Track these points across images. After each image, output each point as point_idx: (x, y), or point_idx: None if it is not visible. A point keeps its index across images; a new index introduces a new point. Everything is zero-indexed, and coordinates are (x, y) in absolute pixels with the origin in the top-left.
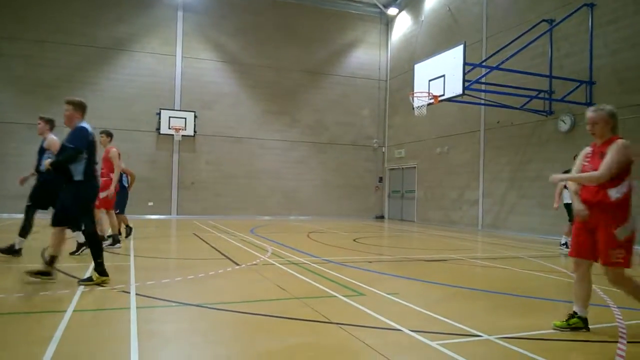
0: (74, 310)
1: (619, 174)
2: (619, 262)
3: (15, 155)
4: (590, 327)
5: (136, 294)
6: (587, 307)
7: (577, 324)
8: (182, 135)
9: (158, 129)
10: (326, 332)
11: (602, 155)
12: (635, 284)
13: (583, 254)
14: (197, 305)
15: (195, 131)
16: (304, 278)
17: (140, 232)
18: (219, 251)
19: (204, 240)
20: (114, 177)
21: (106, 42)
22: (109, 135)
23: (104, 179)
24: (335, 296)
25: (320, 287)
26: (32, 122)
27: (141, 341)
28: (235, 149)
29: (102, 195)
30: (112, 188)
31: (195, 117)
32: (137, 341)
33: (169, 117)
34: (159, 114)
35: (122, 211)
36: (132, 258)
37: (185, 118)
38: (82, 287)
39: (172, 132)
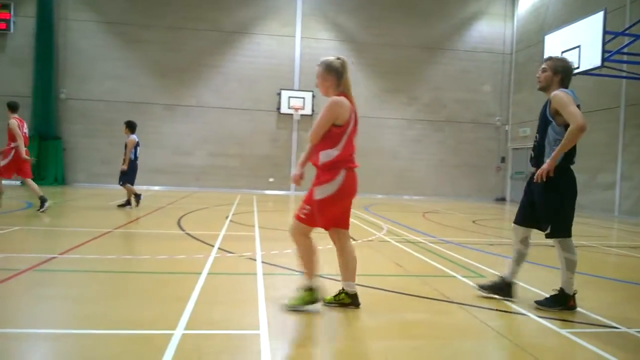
0: (208, 273)
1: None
2: (300, 217)
3: (153, 133)
4: None
5: (262, 262)
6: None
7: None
8: (301, 115)
9: (278, 108)
10: (446, 311)
11: None
12: (305, 249)
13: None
14: (317, 276)
15: (313, 110)
16: (421, 256)
17: (263, 206)
18: None
19: None
20: (19, 146)
21: (230, 26)
22: (10, 107)
23: (6, 148)
24: (454, 276)
25: (438, 266)
26: (167, 102)
27: (268, 305)
28: None
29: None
30: (11, 156)
31: (313, 96)
32: (264, 305)
33: (289, 97)
34: (279, 94)
35: (131, 182)
36: (256, 229)
37: (304, 98)
38: (215, 252)
39: (291, 111)
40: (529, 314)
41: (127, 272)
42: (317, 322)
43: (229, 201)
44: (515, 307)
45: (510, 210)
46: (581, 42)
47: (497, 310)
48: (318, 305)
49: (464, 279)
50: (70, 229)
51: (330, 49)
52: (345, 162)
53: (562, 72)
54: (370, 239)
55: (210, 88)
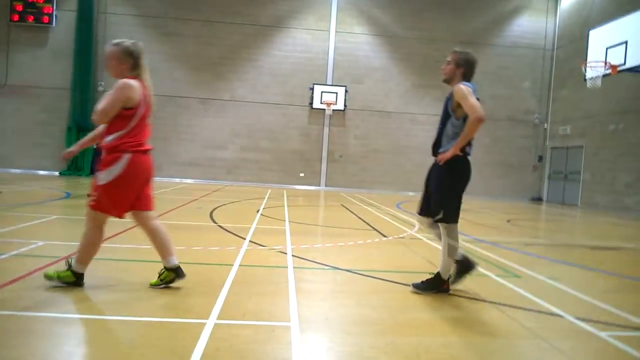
0: (239, 265)
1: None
2: (90, 204)
3: (186, 126)
4: None
5: (292, 256)
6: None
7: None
8: (333, 110)
9: (311, 103)
10: (479, 310)
11: None
12: (90, 238)
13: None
14: (348, 271)
15: (345, 105)
16: None
17: (293, 201)
18: (366, 222)
19: (351, 212)
20: None
21: (266, 20)
22: None
23: None
24: (488, 275)
25: None
26: (202, 96)
27: (299, 297)
28: (383, 124)
29: None
30: None
31: (345, 91)
32: (295, 296)
33: (321, 91)
34: (312, 88)
35: None
36: (287, 224)
37: (337, 92)
38: (247, 244)
39: (323, 106)
40: (565, 315)
41: (159, 261)
42: (347, 315)
43: (259, 195)
44: (552, 308)
45: (547, 210)
46: (628, 38)
47: (532, 310)
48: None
49: (497, 279)
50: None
51: (364, 43)
52: (133, 145)
53: (464, 65)
54: (401, 235)
55: (245, 82)
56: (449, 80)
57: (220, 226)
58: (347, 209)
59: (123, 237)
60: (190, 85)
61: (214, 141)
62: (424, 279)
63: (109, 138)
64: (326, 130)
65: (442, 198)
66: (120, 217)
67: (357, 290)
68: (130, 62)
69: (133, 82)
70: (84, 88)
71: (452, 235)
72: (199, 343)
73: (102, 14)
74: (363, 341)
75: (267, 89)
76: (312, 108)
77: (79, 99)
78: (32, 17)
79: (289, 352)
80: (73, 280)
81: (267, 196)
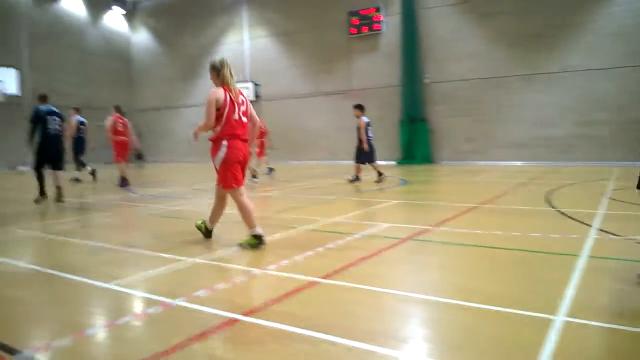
0: (588, 256)
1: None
2: (218, 181)
3: (508, 106)
4: None
5: None
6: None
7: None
8: None
9: None
10: None
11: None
12: (240, 205)
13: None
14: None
15: None
16: None
17: None
18: None
19: None
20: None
21: None
22: None
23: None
24: None
25: None
26: (523, 73)
27: None
28: None
29: None
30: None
31: None
32: None
33: None
34: None
35: (370, 161)
36: None
37: None
38: (594, 233)
39: None
40: None
41: (498, 247)
42: None
43: (601, 176)
44: None
45: None
46: None
47: None
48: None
49: None
50: (440, 203)
51: None
52: (228, 135)
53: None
54: None
55: (577, 50)
56: None
57: (559, 211)
58: None
59: (459, 221)
60: (510, 64)
61: (542, 119)
62: None
63: (213, 133)
64: None
65: None
66: (240, 186)
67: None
68: (215, 73)
69: (218, 89)
70: (412, 82)
71: None
72: (547, 341)
73: (423, 9)
74: None
75: (603, 53)
76: None
77: (408, 93)
78: (366, 27)
79: None
80: (204, 232)
81: (613, 177)
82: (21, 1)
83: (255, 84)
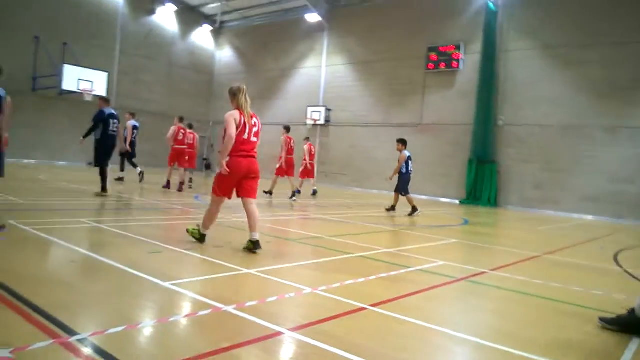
0: None
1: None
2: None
3: (587, 157)
4: None
5: None
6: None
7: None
8: None
9: None
10: None
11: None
12: (212, 213)
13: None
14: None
15: None
16: None
17: None
18: None
19: None
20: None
21: None
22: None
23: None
24: None
25: None
26: (607, 124)
27: None
28: None
29: None
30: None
31: None
32: None
33: None
34: None
35: (405, 192)
36: None
37: None
38: None
39: None
40: None
41: (554, 300)
42: None
43: None
44: None
45: None
46: None
47: None
48: None
49: None
50: (501, 248)
51: None
52: (234, 151)
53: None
54: None
55: None
56: None
57: (627, 271)
58: None
59: (518, 268)
60: (593, 113)
61: (620, 174)
62: None
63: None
64: None
65: None
66: (228, 198)
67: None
68: (231, 97)
69: (234, 111)
70: (485, 123)
71: None
72: None
73: (503, 52)
74: None
75: None
76: None
77: (480, 133)
78: (443, 64)
79: None
80: (198, 237)
81: None
82: (120, 12)
83: (327, 109)
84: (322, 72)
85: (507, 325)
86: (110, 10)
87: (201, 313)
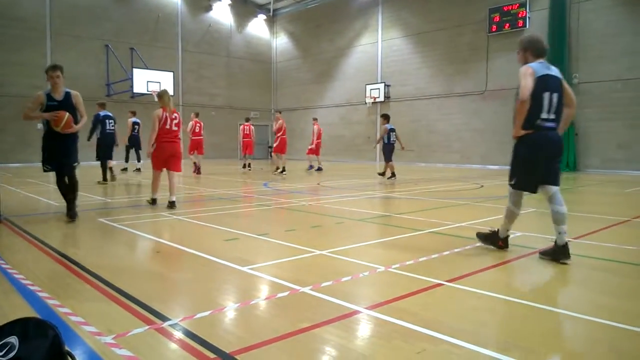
0: None
1: None
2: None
3: None
4: None
5: None
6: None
7: None
8: None
9: None
10: None
11: None
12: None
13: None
14: None
15: None
16: None
17: None
18: None
19: None
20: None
21: None
22: None
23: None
24: None
25: None
26: None
27: None
28: None
29: None
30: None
31: None
32: None
33: None
34: None
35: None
36: None
37: None
38: None
39: None
40: None
41: None
42: None
43: None
44: None
45: None
46: None
47: None
48: None
49: None
50: (584, 215)
51: None
52: (160, 138)
53: (528, 46)
54: None
55: None
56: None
57: None
58: None
59: (604, 234)
60: None
61: None
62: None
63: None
64: None
65: (511, 168)
66: (156, 169)
67: None
68: (159, 100)
69: (159, 109)
70: None
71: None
72: None
73: (575, 3)
74: None
75: None
76: None
77: None
78: (508, 24)
79: None
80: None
81: None
82: (179, 13)
83: (386, 85)
84: (378, 48)
85: (600, 297)
86: (170, 12)
87: (280, 295)
